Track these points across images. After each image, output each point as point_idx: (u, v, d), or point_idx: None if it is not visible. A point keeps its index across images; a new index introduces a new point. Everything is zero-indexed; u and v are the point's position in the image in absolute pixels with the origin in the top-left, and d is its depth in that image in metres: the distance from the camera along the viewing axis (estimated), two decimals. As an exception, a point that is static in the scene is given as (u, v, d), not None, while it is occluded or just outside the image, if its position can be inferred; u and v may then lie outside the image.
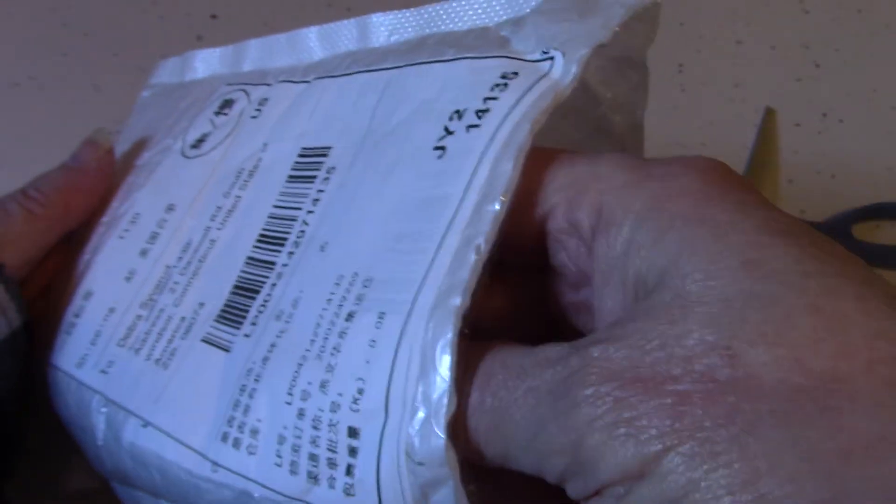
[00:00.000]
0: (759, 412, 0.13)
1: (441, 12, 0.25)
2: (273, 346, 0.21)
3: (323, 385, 0.19)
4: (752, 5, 0.59)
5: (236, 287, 0.23)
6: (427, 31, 0.25)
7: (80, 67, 0.51)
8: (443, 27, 0.24)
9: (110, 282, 0.27)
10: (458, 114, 0.20)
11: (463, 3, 0.24)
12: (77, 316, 0.27)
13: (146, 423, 0.23)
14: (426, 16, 0.25)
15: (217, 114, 0.29)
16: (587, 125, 0.23)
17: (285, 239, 0.23)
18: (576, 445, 0.15)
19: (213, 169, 0.27)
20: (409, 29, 0.25)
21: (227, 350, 0.22)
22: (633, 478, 0.14)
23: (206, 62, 0.32)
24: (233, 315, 0.23)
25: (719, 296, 0.14)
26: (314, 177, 0.23)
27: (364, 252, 0.20)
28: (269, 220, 0.24)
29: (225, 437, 0.20)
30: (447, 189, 0.19)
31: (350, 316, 0.19)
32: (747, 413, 0.13)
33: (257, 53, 0.30)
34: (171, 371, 0.23)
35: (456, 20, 0.24)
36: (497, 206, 0.18)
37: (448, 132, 0.20)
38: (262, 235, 0.24)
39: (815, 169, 0.47)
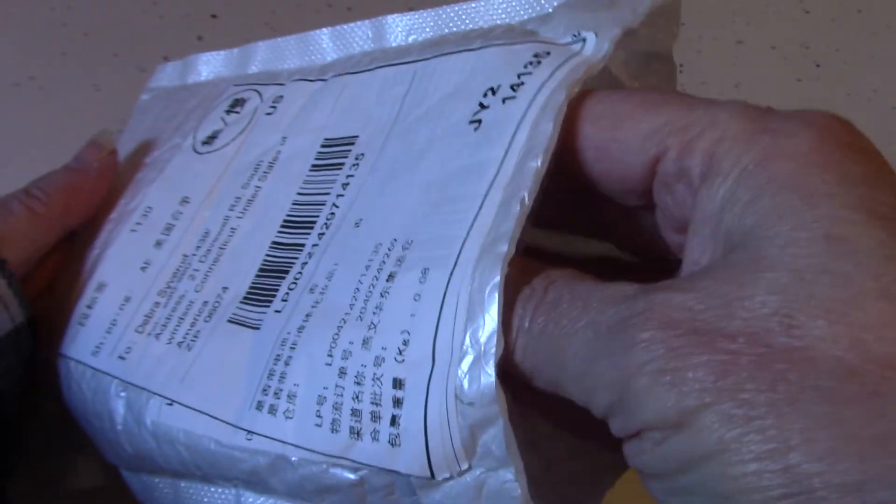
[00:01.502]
0: (804, 385, 0.13)
1: (461, 13, 0.25)
2: (308, 315, 0.21)
3: (365, 342, 0.19)
4: (752, 5, 0.59)
5: (262, 270, 0.23)
6: (446, 30, 0.25)
7: (79, 67, 0.51)
8: (462, 27, 0.25)
9: (124, 272, 0.27)
10: (493, 90, 0.21)
11: (483, 3, 0.24)
12: (90, 307, 0.27)
13: (171, 402, 0.23)
14: (444, 16, 0.25)
15: (228, 112, 0.29)
16: None
17: (313, 222, 0.23)
18: (623, 385, 0.15)
19: (228, 163, 0.27)
20: (428, 29, 0.26)
21: (255, 328, 0.22)
22: (671, 426, 0.14)
23: (209, 65, 0.32)
24: (261, 295, 0.23)
25: (794, 265, 0.14)
26: (341, 164, 0.24)
27: (402, 220, 0.20)
28: (294, 206, 0.24)
29: (260, 406, 0.21)
30: (487, 155, 0.19)
31: (391, 276, 0.19)
32: (793, 384, 0.13)
33: (265, 55, 0.31)
34: (196, 352, 0.23)
35: (476, 20, 0.25)
36: (538, 163, 0.18)
37: (483, 107, 0.21)
38: (287, 221, 0.24)
39: (816, 169, 0.47)
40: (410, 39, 0.26)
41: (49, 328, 0.28)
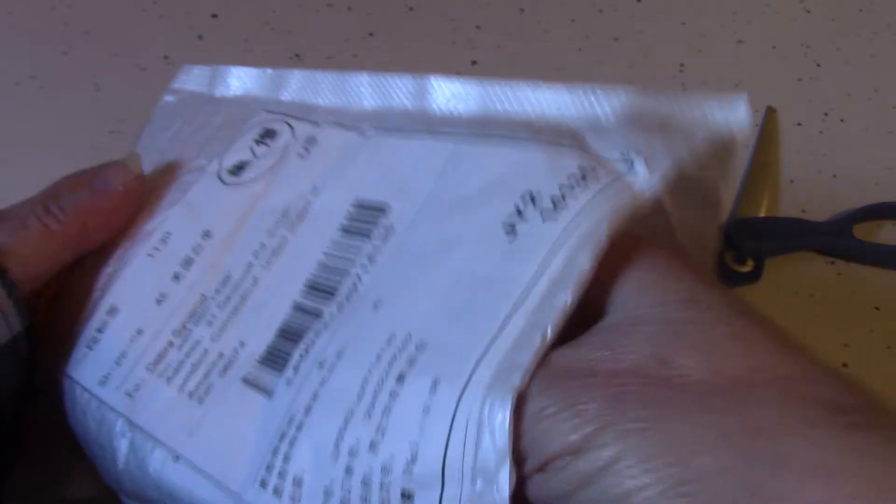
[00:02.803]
0: (680, 401, 0.16)
1: (510, 94, 0.25)
2: (315, 395, 0.21)
3: (373, 445, 0.19)
4: (753, 5, 0.59)
5: (281, 331, 0.23)
6: (492, 106, 0.25)
7: (80, 66, 0.51)
8: (509, 107, 0.24)
9: (138, 302, 0.26)
10: (532, 197, 0.20)
11: (533, 90, 0.24)
12: (100, 331, 0.26)
13: (178, 457, 0.23)
14: (492, 92, 0.25)
15: (258, 142, 0.28)
16: (654, 235, 0.23)
17: (335, 291, 0.23)
18: (529, 430, 0.17)
19: (255, 202, 0.27)
20: (472, 100, 0.25)
21: (268, 395, 0.22)
22: (573, 451, 0.17)
23: (240, 80, 0.32)
24: (276, 359, 0.22)
25: (663, 319, 0.18)
26: (370, 232, 0.23)
27: (420, 316, 0.20)
28: (319, 267, 0.24)
29: (264, 484, 0.20)
30: (516, 271, 0.19)
31: (401, 378, 0.19)
32: (672, 402, 0.16)
33: (299, 85, 0.30)
34: (207, 407, 0.23)
35: (524, 103, 0.24)
36: (569, 298, 0.18)
37: (519, 213, 0.20)
38: (311, 284, 0.23)
39: (817, 169, 0.47)
40: (452, 106, 0.26)
41: (55, 340, 0.27)
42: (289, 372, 0.22)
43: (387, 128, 0.26)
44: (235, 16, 0.55)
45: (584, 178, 0.20)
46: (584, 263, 0.18)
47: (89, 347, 0.26)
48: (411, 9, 0.57)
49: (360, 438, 0.19)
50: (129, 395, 0.24)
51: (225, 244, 0.26)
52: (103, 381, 0.25)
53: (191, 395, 0.23)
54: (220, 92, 0.32)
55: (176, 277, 0.26)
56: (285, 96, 0.30)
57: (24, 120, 0.47)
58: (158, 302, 0.26)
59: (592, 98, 0.23)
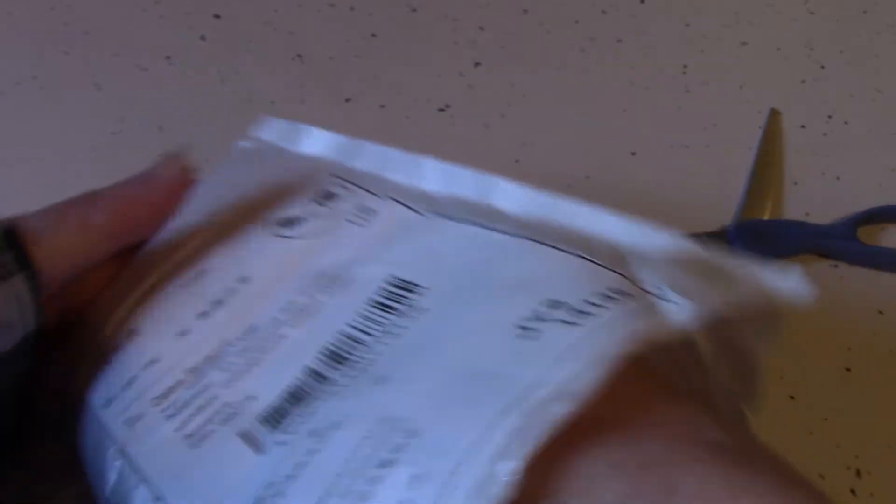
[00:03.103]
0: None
1: (571, 210, 0.25)
2: (299, 465, 0.20)
3: None
4: (756, 6, 0.59)
5: (290, 393, 0.23)
6: (552, 218, 0.25)
7: (81, 67, 0.51)
8: (565, 222, 0.25)
9: (160, 331, 0.26)
10: (555, 303, 0.20)
11: (596, 211, 0.24)
12: (115, 351, 0.26)
13: (159, 498, 0.22)
14: (556, 206, 0.25)
15: (317, 202, 0.28)
16: (693, 378, 0.23)
17: (346, 359, 0.22)
18: None
19: (298, 260, 0.26)
20: (534, 210, 0.25)
21: (258, 451, 0.22)
22: None
23: (318, 141, 0.32)
24: (275, 418, 0.22)
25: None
26: (395, 309, 0.23)
27: (419, 401, 0.20)
28: (339, 336, 0.23)
29: None
30: (519, 371, 0.19)
31: (384, 464, 0.18)
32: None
33: (372, 159, 0.30)
34: (200, 454, 0.23)
35: (581, 220, 0.24)
36: (565, 409, 0.17)
37: (537, 316, 0.20)
38: (328, 350, 0.23)
39: (820, 171, 0.47)
40: (513, 209, 0.26)
41: (72, 346, 0.27)
42: (279, 433, 0.22)
43: (442, 213, 0.26)
44: (237, 16, 0.55)
45: (614, 298, 0.20)
46: (591, 376, 0.18)
47: (102, 365, 0.26)
48: (414, 9, 0.56)
49: None
50: (129, 424, 0.24)
51: (258, 294, 0.26)
52: (107, 403, 0.25)
53: (187, 437, 0.23)
54: (293, 147, 0.32)
55: (203, 315, 0.26)
56: (356, 165, 0.30)
57: (24, 120, 0.47)
58: (179, 336, 0.25)
59: (647, 232, 0.23)
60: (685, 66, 0.53)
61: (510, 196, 0.26)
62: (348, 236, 0.27)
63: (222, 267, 0.27)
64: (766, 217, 0.43)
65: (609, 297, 0.20)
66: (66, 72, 0.51)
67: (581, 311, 0.20)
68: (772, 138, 0.48)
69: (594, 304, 0.20)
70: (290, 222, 0.28)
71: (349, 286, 0.25)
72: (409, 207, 0.27)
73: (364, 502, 0.18)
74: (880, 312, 0.40)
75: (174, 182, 0.27)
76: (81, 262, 0.26)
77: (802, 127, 0.50)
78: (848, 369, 0.37)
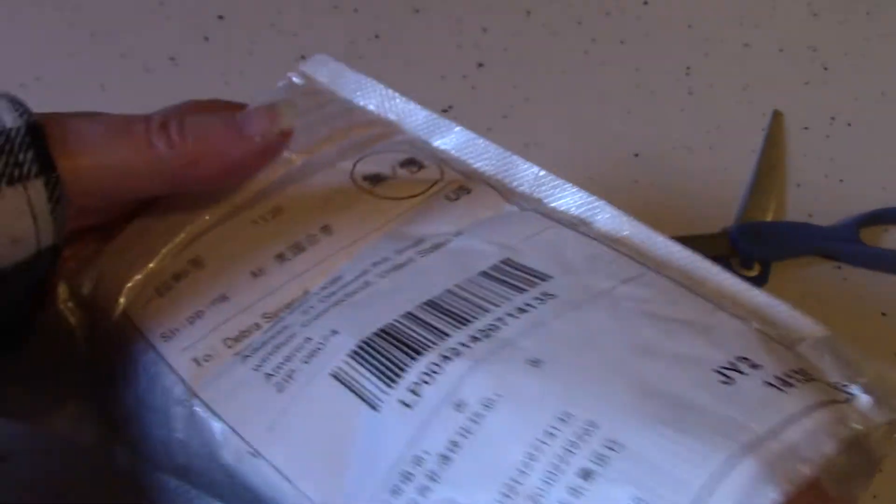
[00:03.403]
0: None
1: (677, 252, 0.24)
2: (456, 444, 0.18)
3: None
4: (760, 8, 0.59)
5: (383, 331, 0.21)
6: (658, 253, 0.24)
7: (86, 68, 0.51)
8: (681, 265, 0.24)
9: (230, 265, 0.23)
10: (749, 362, 0.19)
11: (715, 270, 0.23)
12: (177, 279, 0.23)
13: (256, 454, 0.21)
14: (661, 244, 0.24)
15: (402, 165, 0.27)
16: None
17: (468, 321, 0.21)
18: None
19: (386, 220, 0.25)
20: (641, 242, 0.24)
21: (374, 407, 0.20)
22: None
23: (389, 102, 0.29)
24: (379, 363, 0.20)
25: None
26: (523, 289, 0.22)
27: (605, 403, 0.18)
28: (448, 294, 0.22)
29: None
30: (744, 420, 0.18)
31: (587, 475, 0.17)
32: None
33: (457, 141, 0.28)
34: (289, 397, 0.21)
35: (707, 276, 0.23)
36: (810, 471, 0.17)
37: (737, 369, 0.19)
38: (433, 303, 0.22)
39: (823, 173, 0.47)
40: (620, 238, 0.25)
41: (117, 262, 0.24)
42: (402, 391, 0.20)
43: (553, 217, 0.25)
44: (241, 17, 0.55)
45: (810, 381, 0.19)
46: (827, 451, 0.18)
47: (159, 293, 0.23)
48: (417, 11, 0.57)
49: None
50: (198, 361, 0.22)
51: (345, 249, 0.24)
52: (168, 336, 0.23)
53: (268, 377, 0.21)
54: (361, 101, 0.30)
55: (280, 258, 0.24)
56: (438, 143, 0.28)
57: (29, 121, 0.48)
58: (254, 275, 0.23)
59: (786, 313, 0.23)
60: (688, 68, 0.53)
61: (618, 225, 0.25)
62: (444, 210, 0.25)
63: (299, 208, 0.25)
64: (768, 218, 0.43)
65: (802, 374, 0.19)
66: (71, 73, 0.51)
67: (784, 381, 0.19)
68: (775, 140, 0.48)
69: (794, 378, 0.19)
70: (375, 178, 0.26)
71: (453, 254, 0.23)
72: (505, 199, 0.26)
73: None
74: (883, 314, 0.40)
75: (266, 143, 0.23)
76: (128, 192, 0.22)
77: (805, 129, 0.50)
78: (851, 371, 0.37)
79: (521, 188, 0.27)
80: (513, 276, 0.22)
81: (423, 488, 0.18)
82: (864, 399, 0.20)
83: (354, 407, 0.20)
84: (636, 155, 0.47)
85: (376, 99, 0.29)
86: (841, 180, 0.47)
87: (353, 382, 0.20)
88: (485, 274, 0.22)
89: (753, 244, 0.41)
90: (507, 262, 0.23)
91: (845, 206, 0.45)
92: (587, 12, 0.57)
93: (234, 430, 0.21)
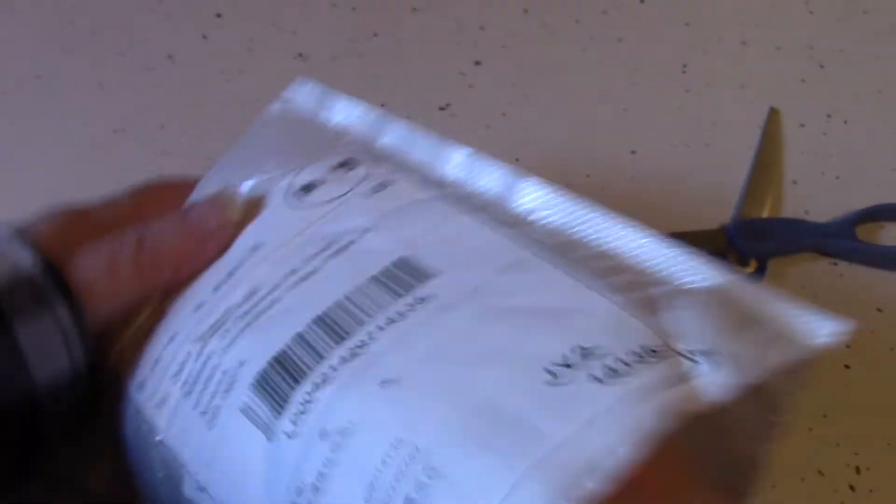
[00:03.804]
0: None
1: (595, 223, 0.24)
2: (322, 475, 0.20)
3: None
4: (757, 6, 0.59)
5: (276, 359, 0.22)
6: (575, 231, 0.25)
7: (85, 66, 0.51)
8: (591, 237, 0.24)
9: (182, 308, 0.26)
10: (584, 351, 0.20)
11: (620, 227, 0.24)
12: (146, 334, 0.26)
13: (202, 489, 0.22)
14: (578, 215, 0.25)
15: (335, 169, 0.28)
16: (704, 442, 0.22)
17: (343, 338, 0.22)
18: None
19: (309, 226, 0.26)
20: (556, 217, 0.25)
21: (267, 437, 0.21)
22: None
23: (346, 111, 0.31)
24: (271, 392, 0.21)
25: None
26: (399, 294, 0.22)
27: (433, 428, 0.19)
28: (334, 307, 0.23)
29: None
30: (548, 425, 0.18)
31: (409, 502, 0.18)
32: None
33: (398, 135, 0.30)
34: (216, 435, 0.22)
35: (606, 240, 0.24)
36: (591, 484, 0.17)
37: (566, 363, 0.19)
38: (320, 318, 0.22)
39: (820, 170, 0.47)
40: (533, 217, 0.25)
41: (111, 332, 0.27)
42: (286, 421, 0.21)
43: (461, 204, 0.26)
44: (240, 15, 0.55)
45: (645, 360, 0.19)
46: (623, 455, 0.17)
47: (136, 349, 0.26)
48: (415, 9, 0.57)
49: None
50: (158, 406, 0.24)
51: (265, 259, 0.25)
52: (140, 387, 0.25)
53: (202, 414, 0.23)
54: (323, 115, 0.32)
55: (217, 288, 0.25)
56: (383, 140, 0.30)
57: (28, 119, 0.48)
58: (196, 309, 0.25)
59: (684, 264, 0.23)
60: (685, 66, 0.54)
61: (537, 199, 0.26)
62: (360, 206, 0.26)
63: (242, 238, 0.27)
64: (765, 215, 0.44)
65: (641, 357, 0.19)
66: (69, 71, 0.51)
67: (613, 370, 0.19)
68: (771, 137, 0.49)
69: (626, 364, 0.19)
70: (307, 188, 0.27)
71: (354, 257, 0.24)
72: (425, 189, 0.27)
73: None
74: (879, 310, 0.40)
75: (224, 234, 0.27)
76: (130, 306, 0.26)
77: (802, 126, 0.50)
78: (847, 367, 0.38)
79: (448, 172, 0.28)
80: (398, 279, 0.23)
81: None
82: (710, 367, 0.20)
83: (258, 439, 0.21)
84: (633, 152, 0.48)
85: (337, 110, 0.32)
86: (837, 177, 0.47)
87: (254, 415, 0.22)
88: (373, 278, 0.23)
89: (750, 241, 0.41)
90: (398, 262, 0.24)
91: (842, 202, 0.45)
92: (585, 11, 0.57)
93: (185, 468, 0.23)
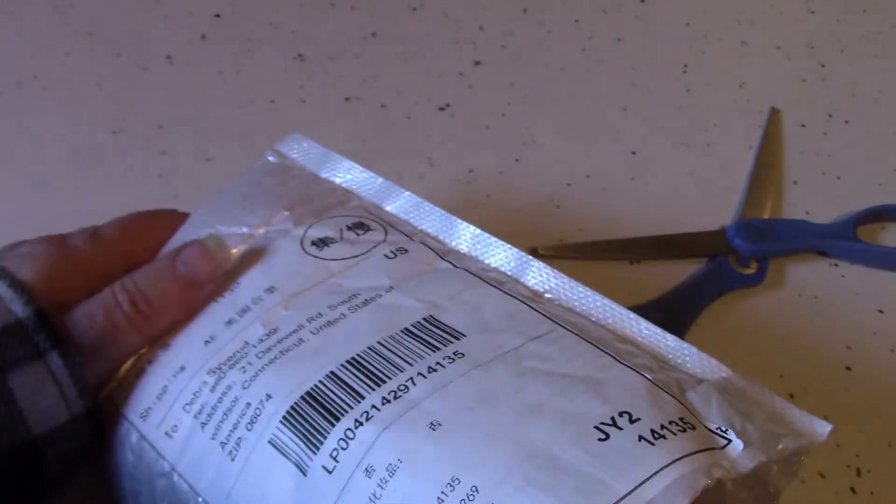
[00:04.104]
0: None
1: (606, 308, 0.26)
2: None
3: None
4: (757, 6, 0.59)
5: (309, 394, 0.23)
6: (588, 312, 0.26)
7: (82, 67, 0.51)
8: (604, 322, 0.26)
9: (190, 341, 0.26)
10: (630, 417, 0.21)
11: (632, 317, 0.26)
12: (150, 363, 0.26)
13: None
14: (590, 300, 0.26)
15: (350, 229, 0.29)
16: None
17: (382, 381, 0.22)
18: None
19: (328, 277, 0.27)
20: (565, 298, 0.27)
21: (302, 472, 0.22)
22: None
23: (348, 174, 0.32)
24: (304, 428, 0.22)
25: None
26: (437, 347, 0.23)
27: (489, 471, 0.20)
28: (369, 351, 0.23)
29: None
30: (608, 480, 0.19)
31: None
32: None
33: (406, 205, 0.31)
34: (239, 466, 0.23)
35: (618, 325, 0.26)
36: None
37: (615, 424, 0.21)
38: (355, 361, 0.23)
39: (821, 170, 0.47)
40: (546, 295, 0.27)
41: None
42: (325, 458, 0.21)
43: (482, 277, 0.27)
44: (238, 15, 0.55)
45: (685, 430, 0.21)
46: (680, 502, 0.19)
47: (137, 377, 0.26)
48: (414, 9, 0.57)
49: None
50: (168, 434, 0.24)
51: (284, 302, 0.26)
52: (144, 415, 0.25)
53: (223, 446, 0.23)
54: (325, 174, 0.33)
55: (229, 323, 0.26)
56: (388, 208, 0.31)
57: (26, 120, 0.47)
58: (206, 343, 0.26)
59: (689, 355, 0.25)
60: (686, 66, 0.53)
61: (545, 280, 0.27)
62: (381, 267, 0.27)
63: (252, 280, 0.27)
64: (766, 216, 0.44)
65: (680, 426, 0.21)
66: (67, 71, 0.51)
67: (660, 434, 0.20)
68: (772, 137, 0.48)
69: (670, 431, 0.21)
70: (322, 242, 0.28)
71: (381, 310, 0.25)
72: (441, 257, 0.28)
73: None
74: (880, 311, 0.40)
75: (214, 282, 0.27)
76: (126, 358, 0.27)
77: (803, 126, 0.50)
78: (848, 368, 0.37)
79: (460, 246, 0.29)
80: (431, 333, 0.24)
81: None
82: (736, 444, 0.21)
83: (290, 472, 0.22)
84: (633, 153, 0.47)
85: (340, 171, 0.33)
86: (838, 177, 0.47)
87: (286, 448, 0.22)
88: (406, 331, 0.24)
89: (751, 242, 0.41)
90: (428, 319, 0.25)
91: (842, 203, 0.45)
92: (584, 10, 0.57)
93: (204, 499, 0.23)
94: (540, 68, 0.53)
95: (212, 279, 0.27)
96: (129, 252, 0.29)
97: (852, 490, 0.33)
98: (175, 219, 0.30)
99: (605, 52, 0.54)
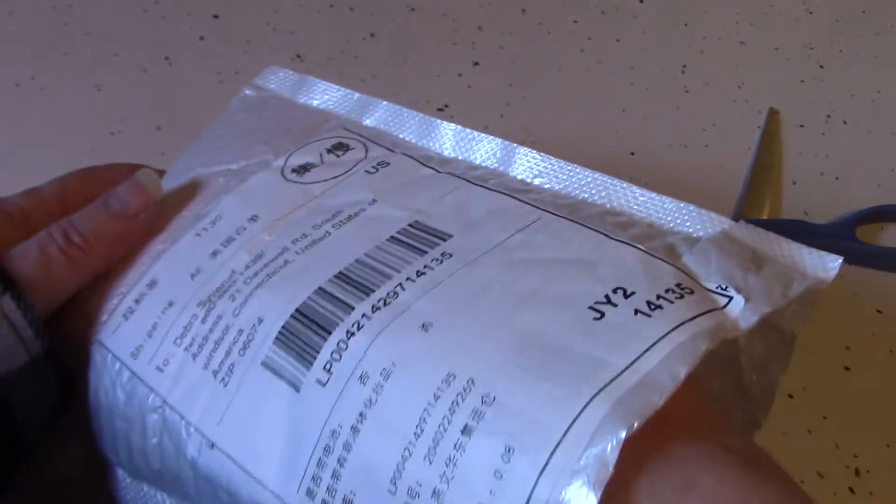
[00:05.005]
0: None
1: (599, 185, 0.26)
2: (363, 416, 0.20)
3: (436, 494, 0.18)
4: (755, 6, 0.59)
5: (299, 311, 0.23)
6: (577, 194, 0.26)
7: (81, 67, 0.51)
8: (597, 200, 0.25)
9: (176, 276, 0.26)
10: (625, 292, 0.21)
11: (625, 188, 0.25)
12: (137, 301, 0.26)
13: (212, 445, 0.23)
14: (579, 178, 0.26)
15: (329, 151, 0.29)
16: (726, 375, 0.23)
17: (371, 290, 0.22)
18: None
19: (309, 199, 0.27)
20: (557, 181, 0.26)
21: (295, 388, 0.21)
22: None
23: (325, 95, 0.32)
24: (297, 346, 0.22)
25: None
26: (423, 251, 0.23)
27: (485, 362, 0.20)
28: (356, 264, 0.23)
29: (310, 494, 0.20)
30: (605, 356, 0.19)
31: (467, 430, 0.19)
32: None
33: (384, 116, 0.31)
34: (232, 391, 0.23)
35: (613, 200, 0.25)
36: (659, 400, 0.18)
37: (610, 301, 0.20)
38: (342, 274, 0.23)
39: (819, 171, 0.47)
40: (535, 181, 0.27)
41: (94, 309, 0.27)
42: (319, 372, 0.21)
43: (464, 177, 0.27)
44: (236, 16, 0.55)
45: (682, 296, 0.21)
46: (680, 373, 0.18)
47: (125, 317, 0.26)
48: (413, 9, 0.57)
49: (421, 482, 0.19)
50: (160, 368, 0.24)
51: (267, 228, 0.26)
52: (135, 353, 0.25)
53: (215, 374, 0.23)
54: (302, 100, 0.33)
55: (214, 254, 0.26)
56: (367, 122, 0.31)
57: (24, 121, 0.47)
58: (193, 276, 0.26)
59: (688, 214, 0.24)
60: (684, 66, 0.53)
61: (535, 167, 0.27)
62: (362, 182, 0.27)
63: (234, 211, 0.27)
64: (764, 216, 0.44)
65: (677, 293, 0.21)
66: (66, 72, 0.51)
67: (656, 305, 0.20)
68: (770, 138, 0.48)
69: (666, 300, 0.20)
70: (302, 169, 0.28)
71: (365, 223, 0.25)
72: (423, 164, 0.27)
73: (454, 467, 0.18)
74: (879, 312, 0.40)
75: (147, 214, 0.28)
76: (68, 293, 0.27)
77: (801, 126, 0.50)
78: (847, 368, 0.37)
79: (443, 149, 0.29)
80: (417, 237, 0.24)
81: (341, 459, 0.20)
82: (738, 301, 0.21)
83: (283, 391, 0.22)
84: (632, 153, 0.48)
85: (317, 93, 0.33)
86: (837, 178, 0.47)
87: (280, 367, 0.22)
88: (392, 238, 0.24)
89: (749, 242, 0.41)
90: (413, 224, 0.24)
91: (841, 203, 0.45)
92: (583, 10, 0.57)
93: (195, 427, 0.23)
94: (538, 68, 0.53)
95: (144, 209, 0.28)
96: (69, 205, 0.29)
97: (851, 490, 0.33)
98: (115, 172, 0.31)
99: (603, 53, 0.54)
